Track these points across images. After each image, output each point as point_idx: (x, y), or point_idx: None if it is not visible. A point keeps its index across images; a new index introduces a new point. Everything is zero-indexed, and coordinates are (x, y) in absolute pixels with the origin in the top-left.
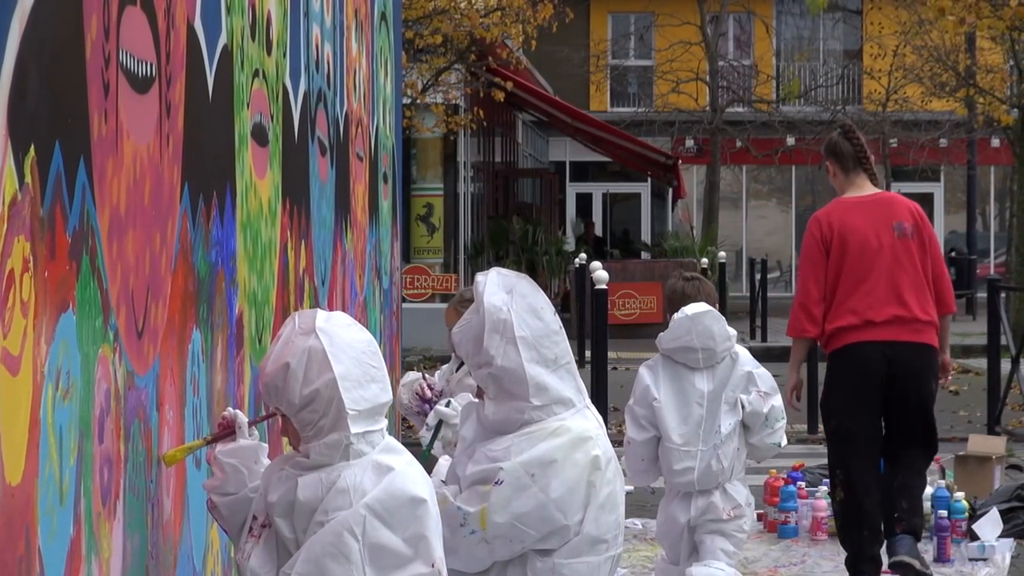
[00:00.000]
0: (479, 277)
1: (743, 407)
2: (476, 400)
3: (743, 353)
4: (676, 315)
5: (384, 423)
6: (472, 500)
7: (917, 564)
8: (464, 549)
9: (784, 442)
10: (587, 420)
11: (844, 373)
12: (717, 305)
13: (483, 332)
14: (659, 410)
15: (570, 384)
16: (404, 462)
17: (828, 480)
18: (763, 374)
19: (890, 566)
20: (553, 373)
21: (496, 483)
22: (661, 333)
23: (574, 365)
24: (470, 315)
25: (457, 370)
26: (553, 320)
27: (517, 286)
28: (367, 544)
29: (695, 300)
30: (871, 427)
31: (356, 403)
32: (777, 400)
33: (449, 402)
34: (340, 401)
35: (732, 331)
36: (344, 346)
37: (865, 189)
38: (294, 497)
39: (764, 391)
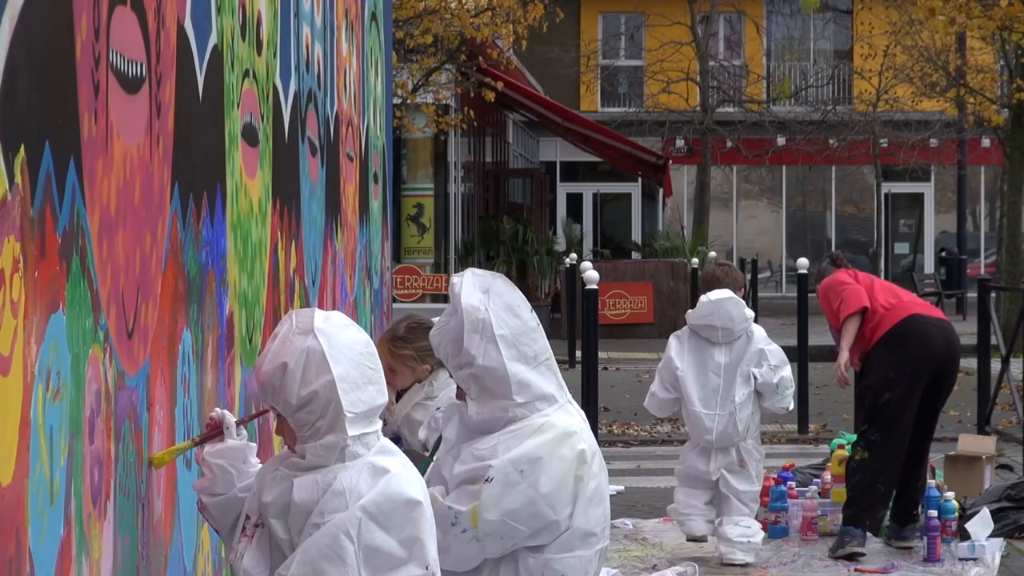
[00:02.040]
0: (455, 279)
1: (755, 379)
2: (458, 402)
3: (758, 332)
4: (702, 298)
5: (379, 424)
6: (462, 499)
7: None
8: (456, 548)
9: (792, 406)
10: (571, 416)
11: (905, 345)
12: (744, 288)
13: (462, 333)
14: (682, 378)
15: (551, 380)
16: (399, 464)
17: (818, 480)
18: (774, 350)
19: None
20: (534, 370)
21: (486, 480)
22: (690, 310)
23: (554, 361)
24: (447, 317)
25: (398, 400)
26: (531, 317)
27: (493, 285)
28: (362, 546)
29: (723, 283)
30: (915, 403)
31: (354, 405)
32: (786, 371)
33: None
34: (338, 403)
35: (750, 313)
36: (342, 347)
37: None
38: (289, 498)
39: (774, 364)
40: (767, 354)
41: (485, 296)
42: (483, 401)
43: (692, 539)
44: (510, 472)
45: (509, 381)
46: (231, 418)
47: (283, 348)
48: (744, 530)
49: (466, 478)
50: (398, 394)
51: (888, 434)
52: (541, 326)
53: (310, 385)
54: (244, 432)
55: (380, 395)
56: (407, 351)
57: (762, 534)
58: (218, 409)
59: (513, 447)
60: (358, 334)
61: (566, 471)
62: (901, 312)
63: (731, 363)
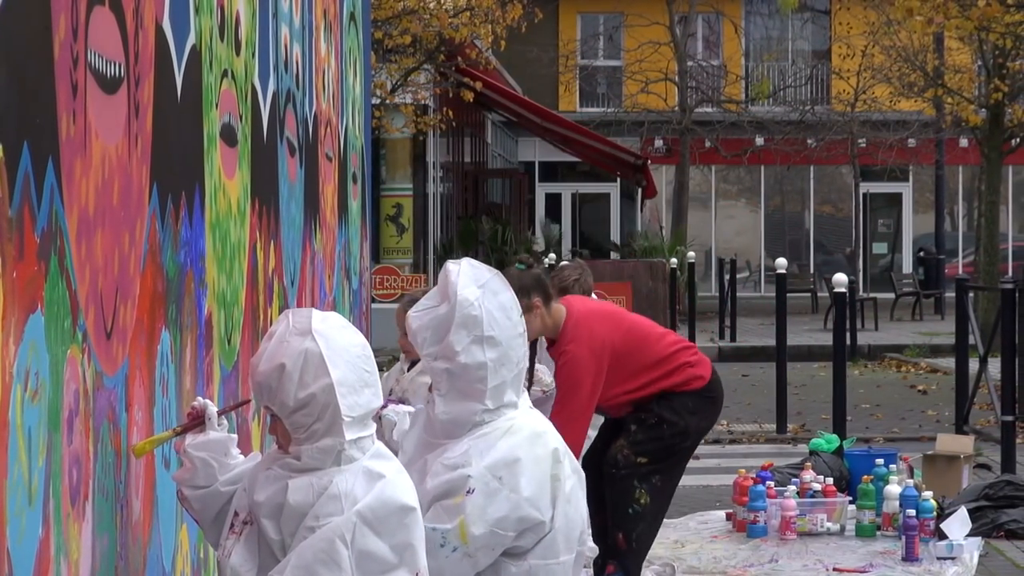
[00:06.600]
0: (451, 266)
1: None
2: (425, 406)
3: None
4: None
5: (373, 428)
6: (444, 516)
7: None
8: (449, 569)
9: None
10: (535, 417)
11: None
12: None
13: (450, 324)
14: None
15: (519, 387)
16: (394, 469)
17: (797, 480)
18: None
19: None
20: (512, 375)
21: (468, 492)
22: None
23: (526, 367)
24: (434, 301)
25: (408, 369)
26: (519, 322)
27: (489, 282)
28: (356, 551)
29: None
30: None
31: (351, 409)
32: None
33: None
34: (336, 407)
35: None
36: (340, 350)
37: None
38: (284, 499)
39: None
40: None
41: (480, 292)
42: (451, 400)
43: None
44: (489, 480)
45: (486, 384)
46: (213, 408)
47: (280, 348)
48: None
49: (442, 492)
50: (411, 363)
51: (671, 480)
52: (526, 332)
53: (308, 388)
54: (225, 422)
55: (375, 399)
56: None
57: None
58: (200, 398)
59: (486, 452)
60: (355, 336)
61: (543, 471)
62: None
63: None
